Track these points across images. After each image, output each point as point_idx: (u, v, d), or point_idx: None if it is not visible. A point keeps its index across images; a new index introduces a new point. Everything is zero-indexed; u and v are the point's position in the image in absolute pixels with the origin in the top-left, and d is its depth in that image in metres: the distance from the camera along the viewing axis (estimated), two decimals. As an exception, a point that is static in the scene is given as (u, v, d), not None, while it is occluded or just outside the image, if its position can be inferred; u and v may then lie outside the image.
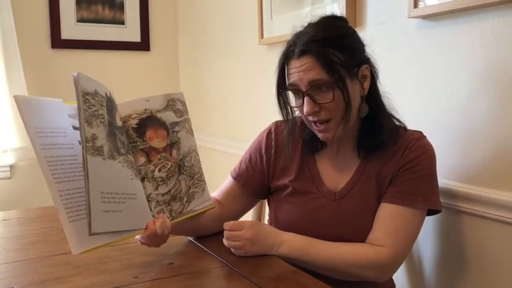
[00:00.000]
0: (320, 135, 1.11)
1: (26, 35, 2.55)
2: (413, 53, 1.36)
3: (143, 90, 2.61)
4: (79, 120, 0.87)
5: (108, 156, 0.91)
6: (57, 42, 2.64)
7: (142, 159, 1.03)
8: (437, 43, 1.28)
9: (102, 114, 0.92)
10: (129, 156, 0.99)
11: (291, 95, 1.14)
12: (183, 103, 1.12)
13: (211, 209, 1.15)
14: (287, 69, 1.10)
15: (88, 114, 0.88)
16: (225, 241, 1.09)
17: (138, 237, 1.00)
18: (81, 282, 0.95)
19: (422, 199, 1.09)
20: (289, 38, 1.11)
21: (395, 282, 1.24)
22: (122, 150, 0.97)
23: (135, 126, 1.03)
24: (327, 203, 1.15)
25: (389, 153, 1.11)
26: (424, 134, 1.13)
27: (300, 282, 0.95)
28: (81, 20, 2.67)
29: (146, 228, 0.98)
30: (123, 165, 0.95)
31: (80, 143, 0.91)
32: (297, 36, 1.09)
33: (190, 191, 1.11)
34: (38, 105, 0.91)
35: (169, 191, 1.06)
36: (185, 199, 1.09)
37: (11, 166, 2.57)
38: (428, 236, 1.31)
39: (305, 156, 1.20)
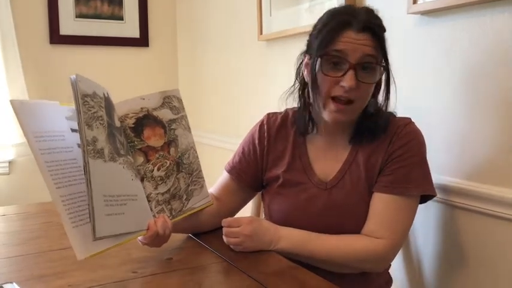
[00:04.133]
0: (333, 115, 1.08)
1: (24, 31, 2.54)
2: (413, 49, 1.36)
3: (142, 86, 2.62)
4: (78, 124, 0.86)
5: (109, 159, 0.90)
6: (56, 37, 2.63)
7: (140, 159, 1.02)
8: (436, 39, 1.28)
9: (101, 116, 0.91)
10: (128, 157, 0.98)
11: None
12: (179, 100, 1.11)
13: (210, 205, 1.15)
14: (338, 36, 1.05)
15: (88, 117, 0.87)
16: (224, 238, 1.09)
17: (139, 238, 1.00)
18: (80, 277, 0.95)
19: (415, 186, 1.09)
20: (334, 9, 1.12)
21: (393, 278, 1.25)
22: (122, 151, 0.96)
23: (132, 125, 1.02)
24: (318, 193, 1.15)
25: (378, 140, 1.12)
26: (413, 120, 1.14)
27: (298, 278, 0.95)
28: (79, 15, 2.67)
29: (148, 229, 0.97)
30: (123, 167, 0.95)
31: (78, 146, 0.90)
32: (353, 10, 1.09)
33: (189, 189, 1.10)
34: (34, 109, 0.89)
35: (168, 189, 1.05)
36: (184, 197, 1.09)
37: (9, 162, 2.57)
38: (426, 231, 1.32)
39: (296, 146, 1.20)
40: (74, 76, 0.86)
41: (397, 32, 1.39)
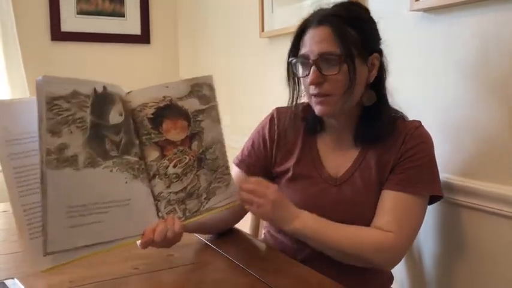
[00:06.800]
0: (317, 108, 1.11)
1: (25, 28, 2.54)
2: (415, 46, 1.35)
3: (143, 83, 2.60)
4: (39, 130, 0.78)
5: (86, 165, 0.83)
6: (57, 34, 2.63)
7: (155, 154, 0.93)
8: (438, 36, 1.28)
9: (80, 118, 0.82)
10: (126, 156, 0.89)
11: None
12: (212, 88, 1.02)
13: (234, 205, 1.05)
14: (303, 39, 1.11)
15: (56, 122, 0.79)
16: (243, 194, 1.04)
17: (138, 242, 0.93)
18: (81, 273, 0.95)
19: (424, 186, 1.10)
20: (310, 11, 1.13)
21: (394, 276, 1.25)
22: (113, 153, 0.87)
23: (151, 116, 0.92)
24: (327, 188, 1.15)
25: (390, 141, 1.12)
26: (422, 124, 1.14)
27: (299, 274, 0.95)
28: (81, 12, 2.67)
29: (143, 235, 0.91)
30: (111, 170, 0.86)
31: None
32: (319, 9, 1.11)
33: (211, 187, 1.00)
34: (7, 108, 0.82)
35: (184, 188, 0.96)
36: (204, 196, 0.99)
37: (10, 159, 2.57)
38: (427, 229, 1.31)
39: (307, 141, 1.20)
40: (40, 78, 0.77)
41: (399, 30, 1.39)
